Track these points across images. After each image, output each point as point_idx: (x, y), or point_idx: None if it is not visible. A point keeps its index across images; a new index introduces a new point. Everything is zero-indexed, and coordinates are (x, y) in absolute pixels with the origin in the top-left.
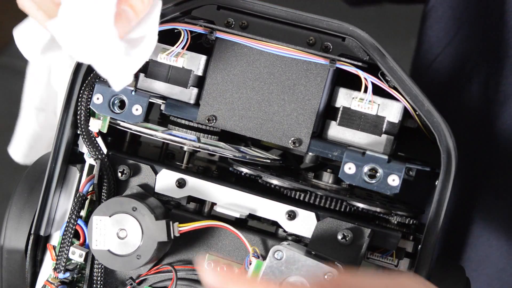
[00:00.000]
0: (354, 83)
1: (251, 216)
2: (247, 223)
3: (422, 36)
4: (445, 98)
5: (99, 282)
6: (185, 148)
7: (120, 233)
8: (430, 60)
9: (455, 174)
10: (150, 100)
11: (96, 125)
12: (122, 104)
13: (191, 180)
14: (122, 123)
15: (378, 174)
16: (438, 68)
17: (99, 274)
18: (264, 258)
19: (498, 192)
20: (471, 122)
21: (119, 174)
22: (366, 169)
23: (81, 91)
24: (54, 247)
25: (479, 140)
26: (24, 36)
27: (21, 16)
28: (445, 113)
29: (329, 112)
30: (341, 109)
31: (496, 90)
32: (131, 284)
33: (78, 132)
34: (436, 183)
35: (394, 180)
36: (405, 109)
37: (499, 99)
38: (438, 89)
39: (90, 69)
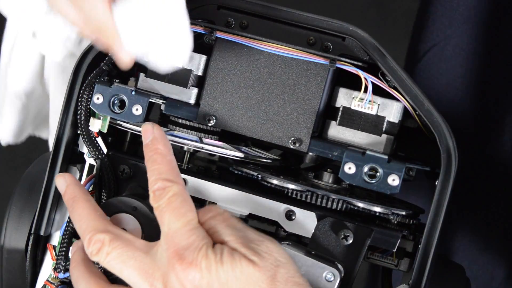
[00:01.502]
0: (354, 83)
1: (251, 216)
2: (247, 223)
3: (419, 26)
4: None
5: None
6: (185, 148)
7: None
8: (423, 51)
9: (455, 174)
10: (150, 100)
11: (96, 125)
12: (122, 104)
13: (191, 180)
14: (122, 123)
15: (378, 174)
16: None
17: None
18: None
19: (497, 193)
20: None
21: (120, 174)
22: (366, 169)
23: (81, 91)
24: (54, 247)
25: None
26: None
27: None
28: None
29: (329, 112)
30: (341, 109)
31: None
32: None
33: (78, 132)
34: (436, 183)
35: (394, 180)
36: (405, 109)
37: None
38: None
39: (90, 69)
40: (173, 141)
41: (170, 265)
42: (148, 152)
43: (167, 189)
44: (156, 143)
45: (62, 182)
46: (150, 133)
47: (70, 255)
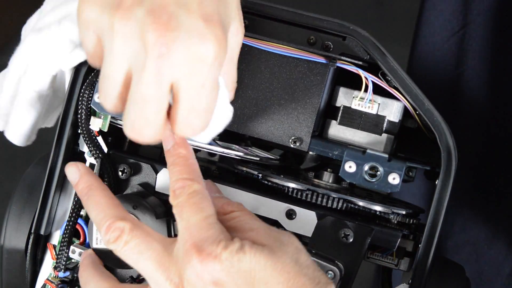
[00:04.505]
0: (354, 83)
1: None
2: None
3: (421, 28)
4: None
5: None
6: None
7: None
8: (428, 51)
9: (455, 173)
10: None
11: (97, 124)
12: None
13: None
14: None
15: (378, 172)
16: (437, 61)
17: None
18: None
19: (499, 191)
20: (468, 120)
21: (120, 173)
22: (366, 167)
23: (82, 90)
24: (54, 246)
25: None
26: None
27: (21, 16)
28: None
29: (329, 111)
30: (341, 108)
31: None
32: (131, 283)
33: (79, 131)
34: (436, 183)
35: (394, 179)
36: (405, 108)
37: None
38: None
39: (91, 68)
40: None
41: (187, 258)
42: (170, 157)
43: (186, 187)
44: (177, 148)
45: (75, 171)
46: (172, 139)
47: (70, 254)
